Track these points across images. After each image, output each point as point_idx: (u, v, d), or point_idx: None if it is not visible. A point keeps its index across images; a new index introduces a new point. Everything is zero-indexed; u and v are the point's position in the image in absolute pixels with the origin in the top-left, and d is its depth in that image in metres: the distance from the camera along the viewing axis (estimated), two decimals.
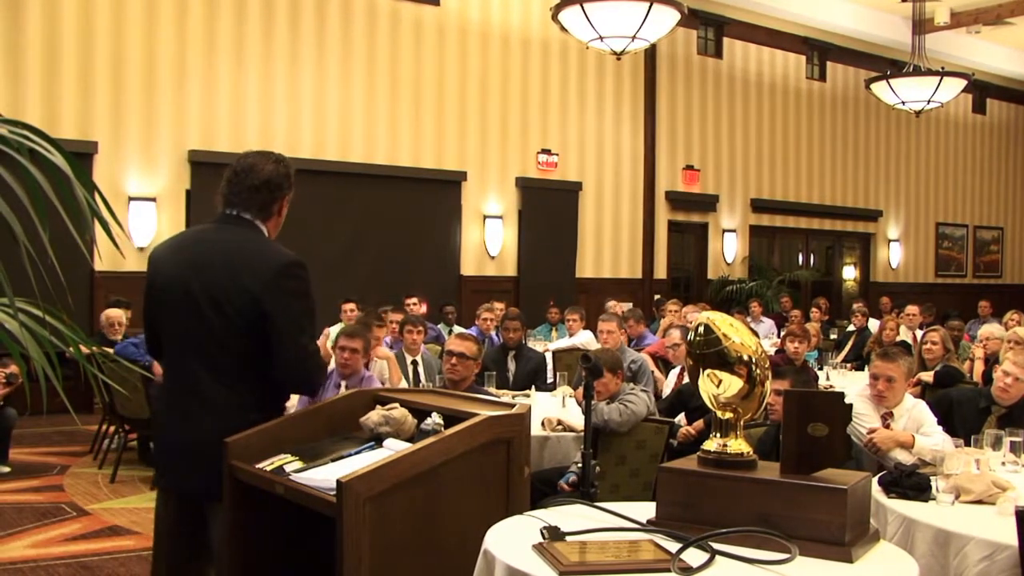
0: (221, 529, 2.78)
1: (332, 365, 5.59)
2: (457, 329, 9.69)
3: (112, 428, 7.25)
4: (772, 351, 7.74)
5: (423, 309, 9.71)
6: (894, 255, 17.62)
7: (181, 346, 2.80)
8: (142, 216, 9.84)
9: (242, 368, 2.74)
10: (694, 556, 2.22)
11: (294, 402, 5.58)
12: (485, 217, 12.45)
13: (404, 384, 6.77)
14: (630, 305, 11.25)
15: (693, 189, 14.68)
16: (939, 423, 4.44)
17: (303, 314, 2.77)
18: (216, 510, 2.76)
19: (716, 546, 2.26)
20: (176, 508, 2.86)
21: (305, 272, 2.79)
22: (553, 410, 5.45)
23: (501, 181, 12.59)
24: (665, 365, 7.66)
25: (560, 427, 4.98)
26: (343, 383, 5.32)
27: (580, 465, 3.50)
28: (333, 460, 3.14)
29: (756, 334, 2.73)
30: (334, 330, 7.50)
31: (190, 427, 2.78)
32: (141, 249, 9.56)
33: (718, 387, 2.47)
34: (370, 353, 6.65)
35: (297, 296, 2.75)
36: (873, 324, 10.63)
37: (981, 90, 18.30)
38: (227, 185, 2.83)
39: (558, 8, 8.85)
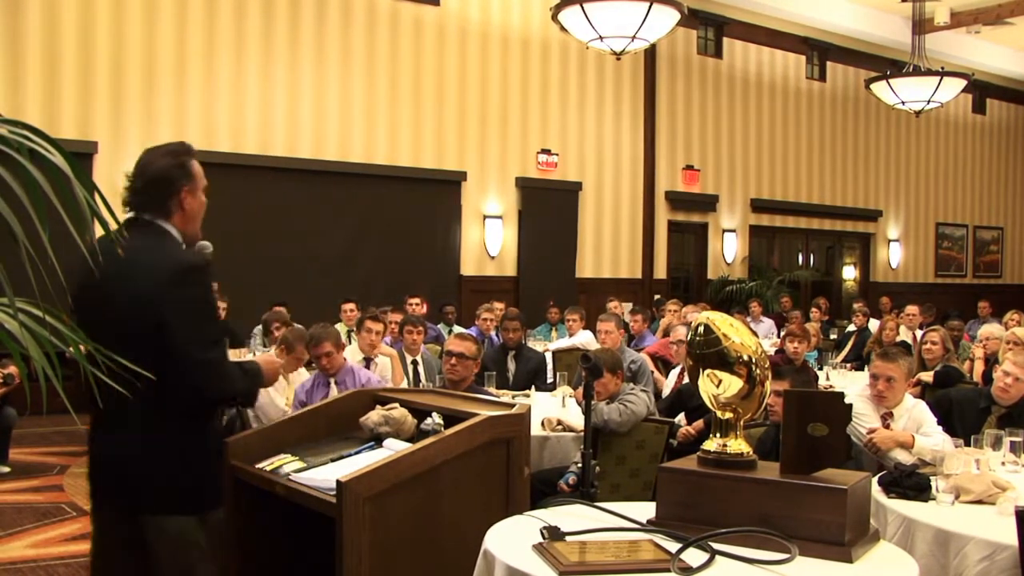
0: (164, 540, 2.61)
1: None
2: (457, 329, 9.69)
3: None
4: (772, 351, 7.74)
5: (424, 309, 9.71)
6: (894, 255, 17.63)
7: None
8: None
9: (157, 379, 2.45)
10: (694, 556, 2.22)
11: (290, 399, 5.61)
12: (485, 217, 12.45)
13: (405, 383, 6.77)
14: (631, 305, 11.25)
15: (693, 189, 14.68)
16: (939, 423, 4.43)
17: (199, 321, 2.59)
18: (151, 524, 2.61)
19: (716, 546, 2.26)
20: (112, 524, 2.74)
21: (202, 277, 2.63)
22: (553, 410, 5.45)
23: (501, 181, 12.59)
24: (665, 365, 7.66)
25: (560, 427, 4.98)
26: (331, 379, 5.33)
27: (580, 465, 3.49)
28: (333, 460, 3.14)
29: (756, 334, 2.73)
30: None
31: (114, 441, 2.65)
32: None
33: (718, 387, 2.47)
34: (375, 350, 6.67)
35: (191, 302, 2.58)
36: (873, 324, 10.62)
37: (981, 90, 18.30)
38: (125, 187, 2.72)
39: (558, 8, 8.85)
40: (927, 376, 6.84)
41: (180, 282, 2.56)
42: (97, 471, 2.74)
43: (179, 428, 2.61)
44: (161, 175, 2.68)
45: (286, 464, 3.13)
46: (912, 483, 3.38)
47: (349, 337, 7.67)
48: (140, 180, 2.69)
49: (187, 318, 2.56)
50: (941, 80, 12.47)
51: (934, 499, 3.33)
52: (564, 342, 9.08)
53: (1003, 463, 3.96)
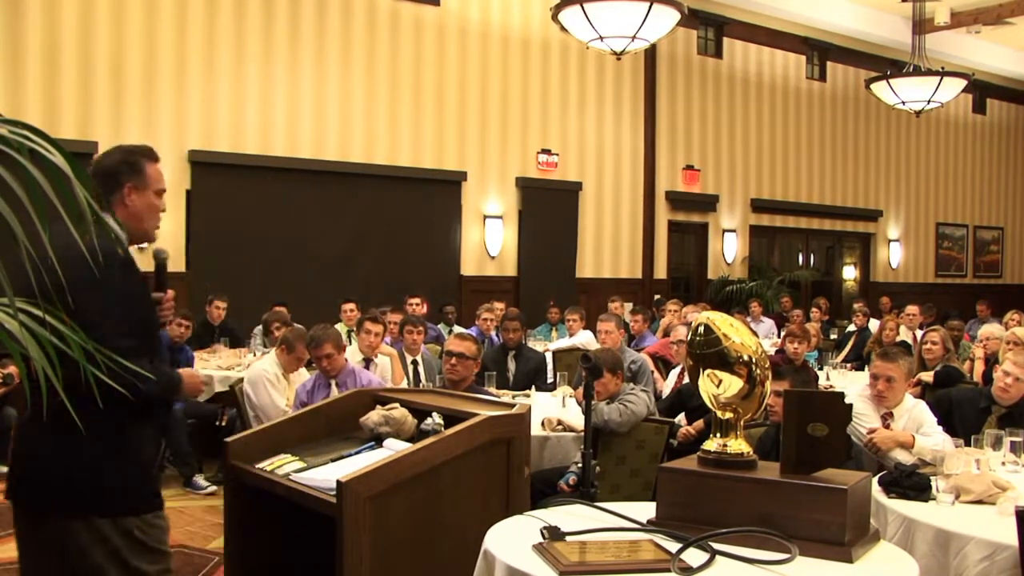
0: (75, 544, 2.53)
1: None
2: (457, 329, 9.69)
3: None
4: (772, 351, 7.74)
5: (424, 309, 9.72)
6: (894, 255, 17.62)
7: None
8: None
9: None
10: (694, 556, 2.22)
11: (290, 399, 5.61)
12: (485, 217, 12.44)
13: (405, 383, 6.77)
14: (632, 305, 11.25)
15: (693, 189, 14.68)
16: (939, 423, 4.43)
17: (114, 307, 2.51)
18: (63, 528, 2.53)
19: (716, 546, 2.26)
20: (31, 528, 2.66)
21: (117, 262, 2.52)
22: (553, 410, 5.45)
23: (501, 181, 12.59)
24: (665, 365, 7.66)
25: (560, 427, 4.98)
26: (332, 382, 5.33)
27: (580, 465, 3.49)
28: (333, 460, 3.14)
29: (756, 334, 2.73)
30: None
31: (29, 440, 2.60)
32: (141, 249, 9.53)
33: (718, 387, 2.47)
34: (374, 351, 6.67)
35: (108, 287, 2.47)
36: (873, 324, 10.63)
37: (981, 90, 18.29)
38: None
39: (558, 8, 8.85)
40: (927, 376, 6.85)
41: (99, 265, 2.36)
42: (13, 472, 2.69)
43: (93, 427, 2.40)
44: (107, 169, 2.73)
45: (286, 464, 3.14)
46: (912, 483, 3.38)
47: (349, 337, 7.67)
48: (91, 172, 2.71)
49: (100, 302, 2.47)
50: (941, 80, 12.46)
51: (934, 499, 3.33)
52: (564, 342, 9.09)
53: (1003, 463, 3.97)
